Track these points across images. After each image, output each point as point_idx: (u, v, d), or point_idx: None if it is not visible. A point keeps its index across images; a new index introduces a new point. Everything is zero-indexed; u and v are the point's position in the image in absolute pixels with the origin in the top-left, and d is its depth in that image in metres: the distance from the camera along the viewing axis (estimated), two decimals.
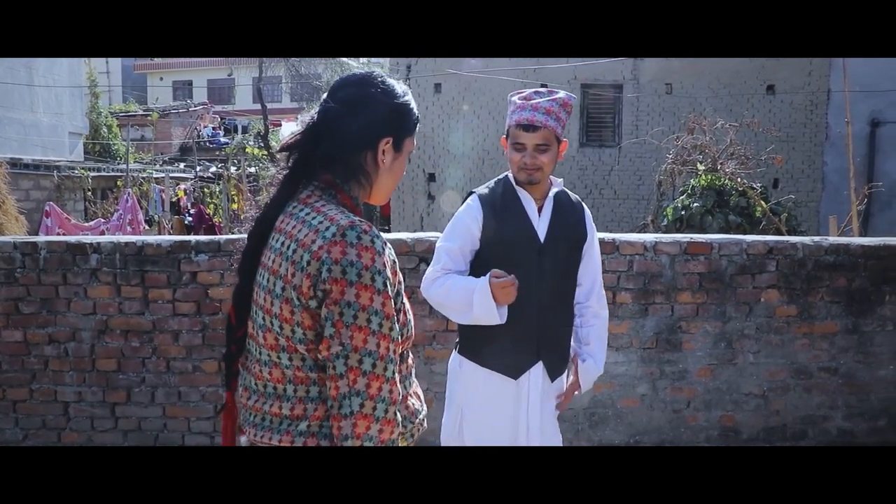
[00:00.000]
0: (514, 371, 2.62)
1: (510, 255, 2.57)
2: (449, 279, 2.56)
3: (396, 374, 1.57)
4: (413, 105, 1.77)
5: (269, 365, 1.63)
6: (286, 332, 1.58)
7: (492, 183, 2.73)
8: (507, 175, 2.71)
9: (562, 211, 2.69)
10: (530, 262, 2.58)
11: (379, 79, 1.72)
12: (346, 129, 1.66)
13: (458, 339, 2.74)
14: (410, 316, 1.74)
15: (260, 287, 1.64)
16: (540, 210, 2.65)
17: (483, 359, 2.62)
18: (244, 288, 1.69)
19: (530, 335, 2.59)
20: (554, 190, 2.68)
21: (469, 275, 2.61)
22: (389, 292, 1.55)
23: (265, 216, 1.67)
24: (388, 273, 1.56)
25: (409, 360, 1.80)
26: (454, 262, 2.60)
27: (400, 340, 1.62)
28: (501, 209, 2.62)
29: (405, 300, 1.71)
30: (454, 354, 2.74)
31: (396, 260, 1.65)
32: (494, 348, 2.59)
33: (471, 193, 2.72)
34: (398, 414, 1.57)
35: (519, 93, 2.68)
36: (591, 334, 2.79)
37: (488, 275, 2.49)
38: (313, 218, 1.58)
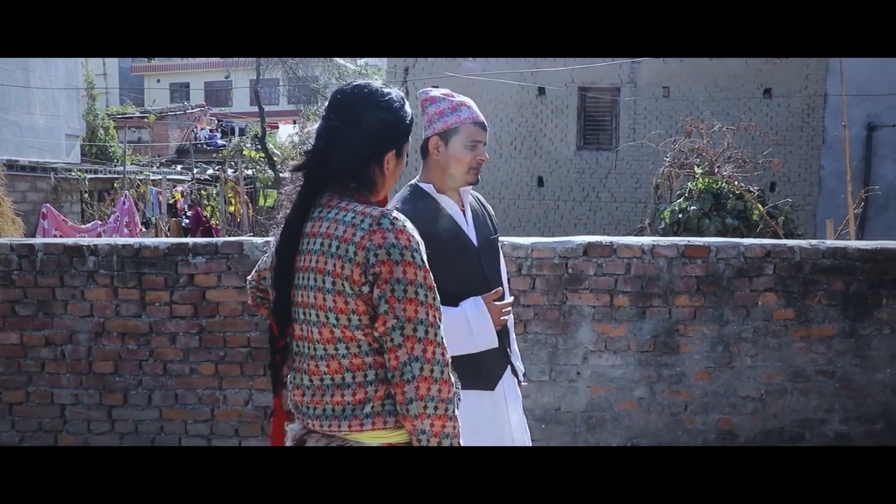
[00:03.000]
0: (491, 382, 2.56)
1: (455, 264, 2.48)
2: None
3: (444, 339, 1.73)
4: (409, 112, 1.88)
5: (326, 359, 1.76)
6: (343, 322, 1.72)
7: (406, 196, 2.56)
8: (416, 185, 2.59)
9: (477, 211, 2.67)
10: (474, 267, 2.54)
11: (379, 94, 1.84)
12: (353, 148, 1.80)
13: None
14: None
15: (307, 289, 1.75)
16: (464, 214, 2.60)
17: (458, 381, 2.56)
18: (282, 300, 1.81)
19: (498, 341, 2.54)
20: (468, 192, 2.64)
21: None
22: (427, 267, 1.72)
23: (289, 231, 1.79)
24: (422, 249, 1.72)
25: None
26: None
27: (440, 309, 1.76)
28: (432, 221, 2.49)
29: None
30: None
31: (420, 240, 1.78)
32: (468, 367, 2.46)
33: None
34: (452, 375, 1.73)
35: (433, 93, 2.58)
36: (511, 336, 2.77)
37: (478, 298, 2.45)
38: (345, 216, 1.74)
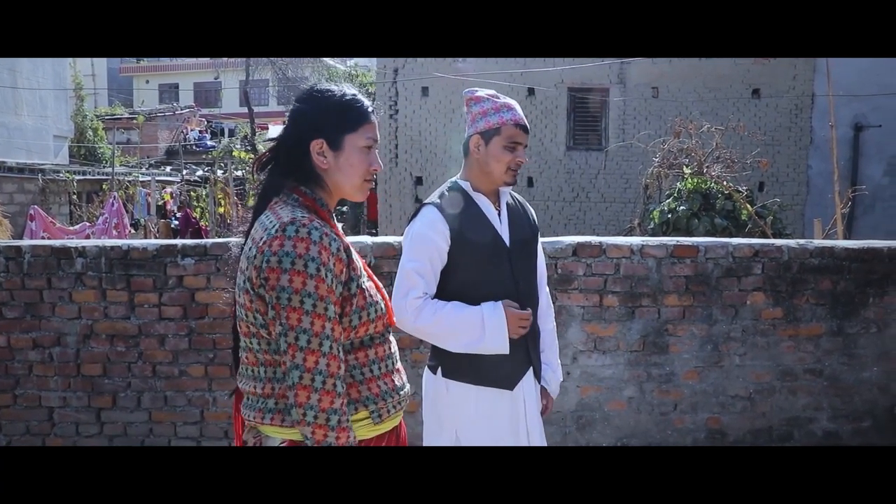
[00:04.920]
0: (510, 382, 2.57)
1: (482, 263, 2.52)
2: (439, 307, 2.48)
3: (336, 350, 1.75)
4: (351, 102, 1.90)
5: (246, 350, 1.86)
6: (250, 320, 1.79)
7: (444, 192, 2.61)
8: (456, 182, 2.63)
9: (515, 211, 2.67)
10: (503, 267, 2.55)
11: (312, 89, 1.92)
12: (284, 139, 1.90)
13: (433, 363, 2.63)
14: (377, 298, 1.90)
15: (236, 286, 1.87)
16: (498, 214, 2.61)
17: (476, 377, 2.54)
18: (236, 291, 1.90)
19: (520, 342, 2.54)
20: (506, 192, 2.66)
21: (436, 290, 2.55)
22: (323, 277, 1.72)
23: (248, 230, 1.89)
24: (325, 259, 1.73)
25: (392, 341, 1.99)
26: (429, 285, 2.51)
27: (338, 320, 1.77)
28: (464, 218, 2.53)
29: (366, 284, 1.87)
30: (434, 378, 2.62)
31: (345, 250, 1.81)
32: (488, 364, 2.52)
33: (424, 205, 2.59)
34: (339, 385, 1.74)
35: (479, 93, 2.60)
36: (546, 341, 2.78)
37: (498, 303, 2.47)
38: (267, 219, 1.81)
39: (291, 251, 1.70)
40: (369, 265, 3.90)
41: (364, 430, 1.84)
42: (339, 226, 1.93)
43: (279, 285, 1.70)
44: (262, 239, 1.75)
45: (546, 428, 3.78)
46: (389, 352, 1.95)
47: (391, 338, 1.99)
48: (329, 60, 23.23)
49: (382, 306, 1.92)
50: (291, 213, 1.77)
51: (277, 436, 1.81)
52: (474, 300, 2.51)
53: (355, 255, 1.88)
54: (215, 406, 4.06)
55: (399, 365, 2.00)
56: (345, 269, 1.79)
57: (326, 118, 1.87)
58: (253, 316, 1.78)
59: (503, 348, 2.48)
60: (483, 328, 2.46)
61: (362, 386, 1.85)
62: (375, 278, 1.99)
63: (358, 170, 1.90)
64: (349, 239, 3.75)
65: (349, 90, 1.92)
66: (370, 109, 1.92)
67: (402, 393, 1.95)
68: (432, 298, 2.52)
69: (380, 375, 1.89)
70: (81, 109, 22.90)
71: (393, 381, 1.93)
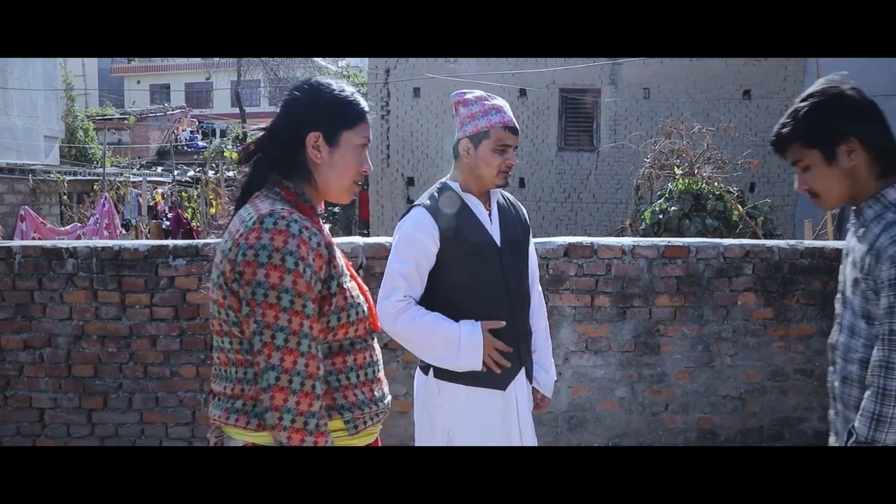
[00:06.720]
0: (502, 382, 2.57)
1: (473, 263, 2.53)
2: (419, 315, 2.48)
3: (315, 349, 1.66)
4: (350, 99, 1.84)
5: (217, 350, 1.77)
6: (222, 316, 1.70)
7: (434, 193, 2.61)
8: (445, 183, 2.63)
9: (506, 211, 2.68)
10: (494, 267, 2.56)
11: (310, 81, 1.85)
12: (276, 130, 1.82)
13: (424, 364, 2.62)
14: (360, 300, 1.81)
15: (210, 281, 1.77)
16: (489, 214, 2.62)
17: (468, 378, 2.53)
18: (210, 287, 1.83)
19: (511, 342, 2.55)
20: (496, 192, 2.66)
21: (425, 292, 2.56)
22: (302, 272, 1.63)
23: (228, 224, 1.81)
24: (304, 253, 1.64)
25: (375, 348, 1.88)
26: (413, 288, 2.51)
27: (317, 317, 1.68)
28: (454, 218, 2.53)
29: (348, 284, 1.79)
30: (425, 379, 2.61)
31: (326, 245, 1.73)
32: None
33: (414, 206, 2.61)
34: (318, 387, 1.65)
35: (467, 96, 2.60)
36: (538, 340, 2.78)
37: (477, 324, 2.48)
38: (245, 212, 1.72)
39: (269, 244, 1.61)
40: (361, 266, 3.89)
41: (339, 442, 1.74)
42: (327, 227, 1.86)
43: (255, 280, 1.61)
44: (238, 231, 1.67)
45: (537, 428, 3.80)
46: (371, 359, 1.85)
47: (375, 344, 1.89)
48: (321, 61, 23.23)
49: (365, 309, 1.83)
50: (271, 206, 1.69)
51: (239, 438, 1.72)
52: (466, 300, 2.52)
53: (338, 253, 1.80)
54: (206, 407, 4.04)
55: (381, 374, 1.89)
56: (324, 266, 1.70)
57: (325, 112, 1.80)
58: (225, 313, 1.69)
59: (476, 366, 2.49)
60: (458, 347, 2.46)
61: (338, 393, 1.75)
62: (360, 280, 1.91)
63: (350, 168, 1.83)
64: (341, 239, 3.73)
65: (348, 87, 1.86)
66: (367, 109, 1.87)
67: (381, 404, 1.85)
68: (417, 302, 2.53)
69: (357, 384, 1.79)
70: (72, 110, 22.81)
71: (372, 391, 1.83)
